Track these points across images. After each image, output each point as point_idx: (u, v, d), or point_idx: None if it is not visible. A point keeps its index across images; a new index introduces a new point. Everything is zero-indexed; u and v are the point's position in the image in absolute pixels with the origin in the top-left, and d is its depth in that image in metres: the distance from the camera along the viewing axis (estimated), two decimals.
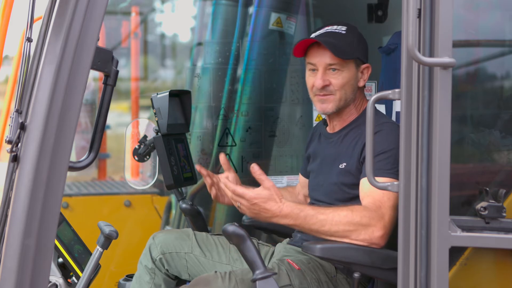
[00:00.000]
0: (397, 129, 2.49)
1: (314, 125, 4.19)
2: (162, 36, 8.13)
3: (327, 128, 3.07)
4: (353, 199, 2.86)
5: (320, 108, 2.94)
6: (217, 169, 4.28)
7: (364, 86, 2.99)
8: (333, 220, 2.62)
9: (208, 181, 3.15)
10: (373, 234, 2.62)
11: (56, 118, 2.17)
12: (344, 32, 2.91)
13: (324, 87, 2.89)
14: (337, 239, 2.63)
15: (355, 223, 2.61)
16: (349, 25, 2.96)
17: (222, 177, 2.87)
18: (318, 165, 3.07)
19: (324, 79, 2.89)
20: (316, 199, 3.02)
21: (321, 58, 2.90)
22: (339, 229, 2.62)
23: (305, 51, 2.95)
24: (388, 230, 2.65)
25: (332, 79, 2.89)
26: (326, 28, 2.94)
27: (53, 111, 2.17)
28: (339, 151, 2.95)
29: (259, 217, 2.65)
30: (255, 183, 3.69)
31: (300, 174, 3.30)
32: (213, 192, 3.17)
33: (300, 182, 3.30)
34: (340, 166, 2.91)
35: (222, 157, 3.04)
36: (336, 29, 2.92)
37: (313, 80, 2.92)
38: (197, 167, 3.15)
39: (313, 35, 2.95)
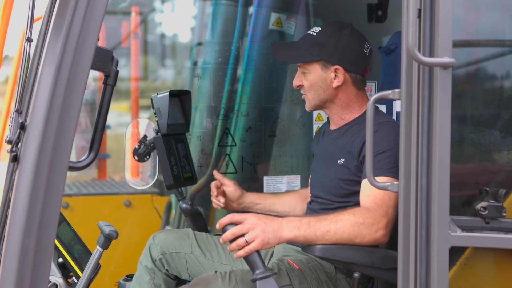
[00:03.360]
0: (396, 127, 2.49)
1: (314, 125, 4.20)
2: (162, 36, 8.13)
3: (330, 126, 3.08)
4: (351, 195, 2.87)
5: (305, 106, 3.05)
6: (217, 169, 4.28)
7: (363, 87, 2.99)
8: (337, 224, 2.62)
9: (215, 191, 3.22)
10: (377, 234, 2.64)
11: (56, 118, 2.17)
12: (314, 34, 2.96)
13: (298, 86, 3.02)
14: (343, 243, 2.63)
15: (359, 225, 2.62)
16: (325, 26, 2.98)
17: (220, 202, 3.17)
18: (318, 162, 3.09)
19: (298, 79, 3.02)
20: (315, 195, 3.04)
21: None
22: (345, 233, 2.62)
23: None
24: (390, 228, 2.67)
25: (303, 80, 2.99)
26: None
27: (53, 111, 2.17)
28: (338, 147, 2.97)
29: (269, 235, 2.61)
30: (255, 183, 3.70)
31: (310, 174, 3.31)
32: (222, 201, 3.22)
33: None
34: (338, 162, 2.93)
35: (215, 173, 3.25)
36: (312, 30, 2.99)
37: None
38: (214, 172, 3.27)
39: None
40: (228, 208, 3.26)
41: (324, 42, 2.93)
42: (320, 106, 3.01)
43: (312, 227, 2.62)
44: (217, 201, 3.22)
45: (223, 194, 3.24)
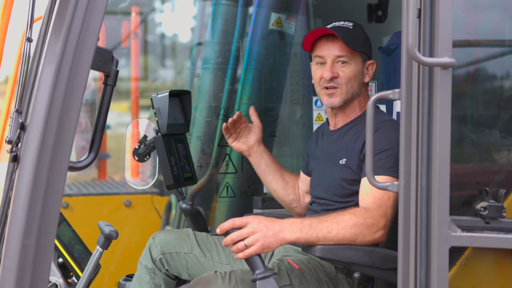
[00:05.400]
0: (398, 126, 2.49)
1: (314, 125, 4.20)
2: (162, 36, 8.13)
3: (329, 126, 3.08)
4: (352, 195, 2.87)
5: (328, 102, 2.96)
6: (217, 169, 4.28)
7: (368, 84, 3.03)
8: (339, 225, 2.63)
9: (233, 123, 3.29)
10: (376, 234, 2.65)
11: (56, 118, 2.17)
12: (351, 27, 2.96)
13: (332, 79, 2.92)
14: (344, 243, 2.63)
15: (360, 225, 2.63)
16: (355, 22, 3.01)
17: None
18: (319, 163, 3.09)
19: (332, 71, 2.92)
20: (316, 196, 3.04)
21: (329, 51, 2.93)
22: (346, 233, 2.62)
23: (312, 44, 2.97)
24: (388, 227, 2.68)
25: (340, 71, 2.93)
26: (334, 23, 2.97)
27: (53, 111, 2.17)
28: (340, 147, 2.97)
29: (270, 239, 2.60)
30: (255, 183, 3.70)
31: (301, 171, 3.32)
32: (227, 132, 3.32)
33: (300, 178, 3.34)
34: (340, 162, 2.93)
35: (252, 109, 3.33)
36: (343, 24, 2.97)
37: (321, 72, 2.95)
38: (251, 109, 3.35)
39: None
40: (232, 143, 3.33)
41: (365, 36, 2.98)
42: (348, 101, 2.96)
43: (314, 229, 2.62)
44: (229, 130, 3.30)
45: (239, 131, 3.31)
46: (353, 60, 2.93)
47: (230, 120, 3.29)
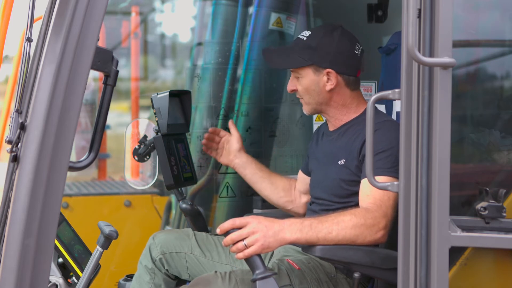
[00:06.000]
0: (397, 127, 2.50)
1: (314, 125, 4.20)
2: (162, 36, 8.13)
3: (329, 127, 3.09)
4: (351, 195, 2.87)
5: (303, 110, 3.05)
6: (217, 169, 4.28)
7: (357, 88, 2.99)
8: (339, 225, 2.63)
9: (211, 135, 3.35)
10: (377, 234, 2.66)
11: (56, 118, 2.17)
12: (305, 38, 2.98)
13: (293, 91, 3.02)
14: (344, 243, 2.63)
15: (360, 226, 2.63)
16: (315, 30, 3.00)
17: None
18: (318, 163, 3.09)
19: (292, 84, 3.01)
20: (316, 196, 3.04)
21: None
22: (346, 234, 2.62)
23: None
24: (389, 228, 2.68)
25: (297, 85, 2.99)
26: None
27: (53, 111, 2.17)
28: (338, 148, 2.97)
29: (270, 239, 2.61)
30: None
31: (300, 170, 3.32)
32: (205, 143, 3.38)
33: (299, 178, 3.33)
34: (339, 163, 2.93)
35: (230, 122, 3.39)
36: (302, 35, 3.00)
37: None
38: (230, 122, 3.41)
39: None
40: (218, 159, 3.37)
41: (315, 45, 2.93)
42: (317, 109, 3.01)
43: (314, 229, 2.63)
44: (209, 145, 3.36)
45: (221, 146, 3.36)
46: (302, 74, 2.96)
47: (205, 135, 3.36)
